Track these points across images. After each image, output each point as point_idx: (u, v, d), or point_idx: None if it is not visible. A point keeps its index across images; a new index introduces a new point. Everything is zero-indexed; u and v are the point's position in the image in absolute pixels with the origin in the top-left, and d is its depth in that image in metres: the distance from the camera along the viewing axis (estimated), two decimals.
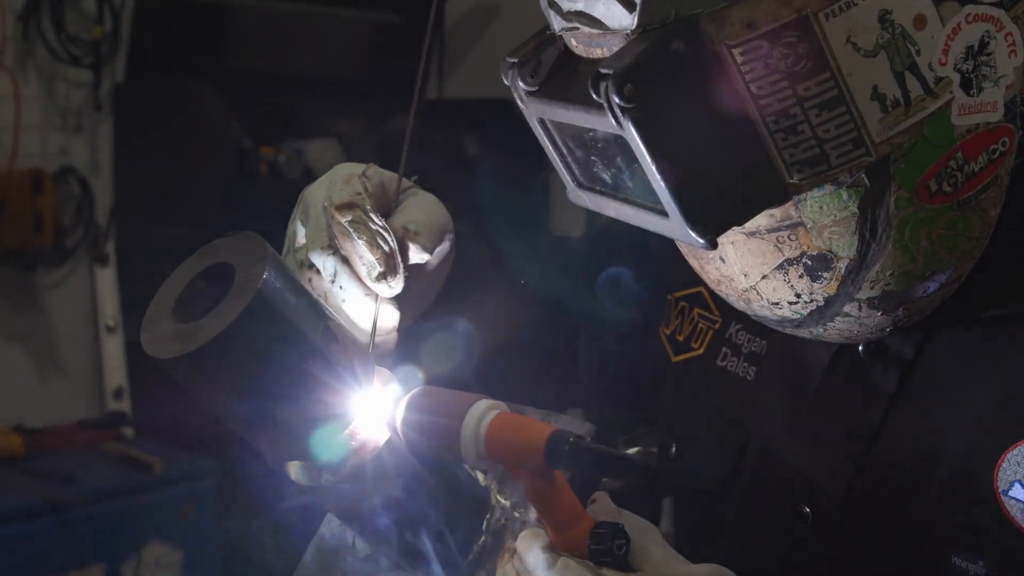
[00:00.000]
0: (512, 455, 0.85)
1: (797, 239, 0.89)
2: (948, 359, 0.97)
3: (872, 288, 0.91)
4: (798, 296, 0.93)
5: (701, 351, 1.18)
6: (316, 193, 0.99)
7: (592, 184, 0.95)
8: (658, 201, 0.84)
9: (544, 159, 0.98)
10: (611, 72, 0.79)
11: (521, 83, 0.92)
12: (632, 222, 0.90)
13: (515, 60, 0.93)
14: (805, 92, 0.82)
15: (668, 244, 1.13)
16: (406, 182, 1.04)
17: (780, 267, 0.92)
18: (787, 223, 0.89)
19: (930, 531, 0.94)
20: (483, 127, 3.92)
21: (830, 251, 0.89)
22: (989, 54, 0.86)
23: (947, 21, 0.85)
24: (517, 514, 0.96)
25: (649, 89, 0.80)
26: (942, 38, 0.84)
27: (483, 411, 0.86)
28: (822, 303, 0.93)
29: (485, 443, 0.86)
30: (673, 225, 0.84)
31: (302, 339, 0.86)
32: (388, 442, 0.92)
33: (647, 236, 0.92)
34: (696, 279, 1.18)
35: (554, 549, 0.87)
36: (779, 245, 0.91)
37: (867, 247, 0.89)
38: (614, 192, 0.92)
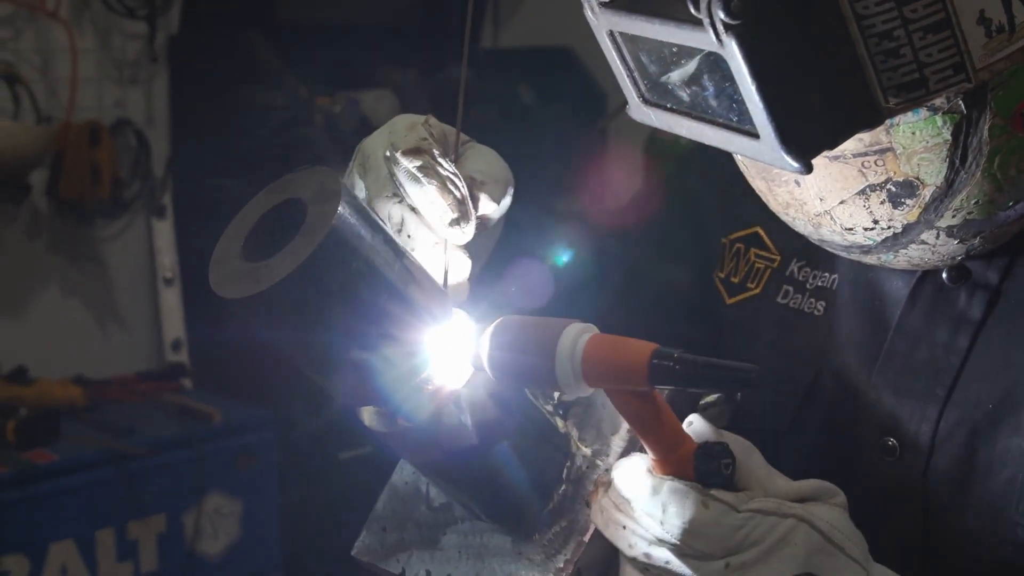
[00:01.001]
0: (613, 375, 0.82)
1: (884, 164, 0.88)
2: None
3: (954, 216, 0.90)
4: (875, 222, 0.92)
5: (758, 290, 1.17)
6: (375, 143, 0.96)
7: (662, 101, 0.92)
8: (747, 122, 0.82)
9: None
10: None
11: None
12: (709, 142, 0.88)
13: None
14: (912, 14, 0.80)
15: (716, 189, 1.11)
16: (464, 136, 1.01)
17: (862, 192, 0.90)
18: (875, 148, 0.88)
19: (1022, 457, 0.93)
20: (539, 77, 3.88)
21: (917, 178, 0.88)
22: None
23: None
24: (600, 462, 0.93)
25: (754, 6, 0.76)
26: None
27: (577, 333, 0.83)
28: (899, 230, 0.92)
29: (583, 365, 0.82)
30: (763, 147, 0.81)
31: (379, 276, 0.82)
32: (467, 385, 0.89)
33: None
34: (752, 219, 1.16)
35: (655, 474, 0.84)
36: (863, 170, 0.89)
37: (955, 174, 0.87)
38: (690, 110, 0.89)
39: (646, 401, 0.83)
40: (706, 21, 0.78)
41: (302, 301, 0.79)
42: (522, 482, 0.94)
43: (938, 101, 0.84)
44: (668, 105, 0.91)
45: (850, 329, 1.08)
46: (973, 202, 0.90)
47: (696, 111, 0.89)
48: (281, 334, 0.84)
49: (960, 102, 0.85)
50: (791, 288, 1.14)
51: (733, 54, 0.78)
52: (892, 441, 1.02)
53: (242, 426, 3.20)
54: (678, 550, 0.82)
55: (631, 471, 0.86)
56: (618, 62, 0.93)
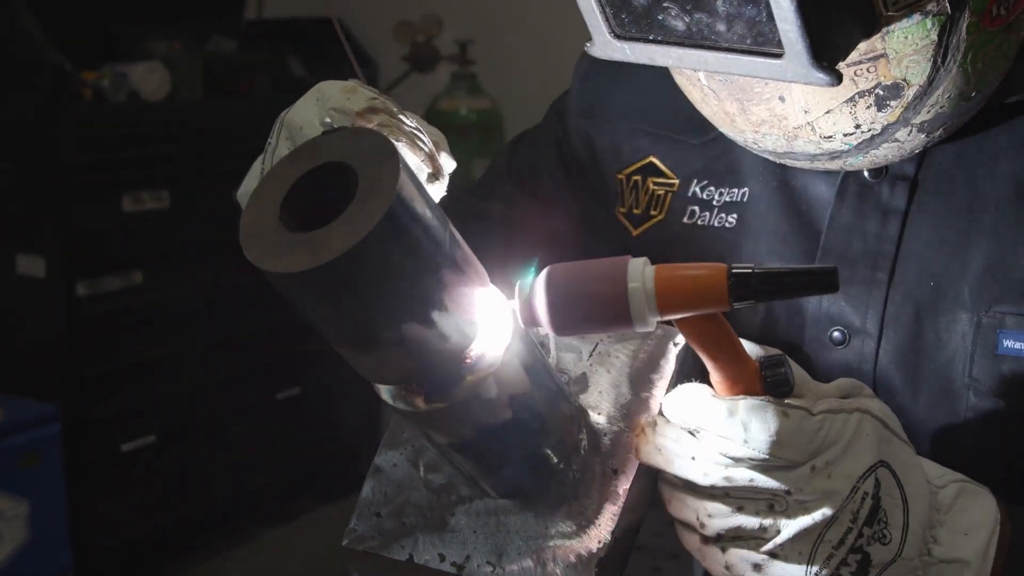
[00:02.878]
0: (691, 300, 0.81)
1: (876, 70, 0.93)
2: (949, 165, 1.05)
3: (928, 112, 0.96)
4: (857, 127, 0.97)
5: (662, 216, 1.20)
6: (305, 113, 0.91)
7: (644, 33, 0.91)
8: (767, 42, 0.84)
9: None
10: None
11: None
12: (708, 69, 0.89)
13: None
14: None
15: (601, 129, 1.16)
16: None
17: (850, 99, 0.95)
18: (870, 55, 0.92)
19: (974, 329, 1.02)
20: (308, 47, 3.80)
21: (904, 79, 0.93)
22: None
23: None
24: (617, 428, 0.93)
25: None
26: None
27: (642, 265, 0.82)
28: (878, 131, 0.97)
29: (656, 293, 0.80)
30: (788, 65, 0.83)
31: (438, 244, 0.78)
32: (505, 355, 0.86)
33: None
34: (644, 151, 1.22)
35: (725, 397, 0.84)
36: (855, 78, 0.93)
37: (936, 72, 0.93)
38: (684, 39, 0.89)
39: (716, 324, 0.83)
40: None
41: (365, 273, 0.74)
42: (548, 455, 0.92)
43: (929, 5, 0.89)
44: (653, 37, 0.91)
45: (779, 233, 1.13)
46: (946, 96, 0.96)
47: (695, 39, 0.89)
48: (327, 309, 0.78)
49: (947, 3, 0.90)
50: (696, 207, 1.18)
51: None
52: (839, 331, 1.08)
53: (25, 423, 3.00)
54: (764, 464, 0.82)
55: (694, 400, 0.85)
56: None
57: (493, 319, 0.84)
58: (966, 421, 1.03)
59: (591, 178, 1.28)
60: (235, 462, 3.73)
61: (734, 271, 0.80)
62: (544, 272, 0.83)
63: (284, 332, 3.60)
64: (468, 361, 0.83)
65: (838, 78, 0.83)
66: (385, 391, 0.86)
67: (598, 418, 0.94)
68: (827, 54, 0.83)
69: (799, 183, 1.12)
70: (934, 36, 0.91)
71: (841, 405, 0.85)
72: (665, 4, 0.89)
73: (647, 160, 1.22)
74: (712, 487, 0.85)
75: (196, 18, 3.73)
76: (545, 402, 0.90)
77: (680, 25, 0.89)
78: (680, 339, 0.95)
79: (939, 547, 0.86)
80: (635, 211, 1.22)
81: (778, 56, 0.84)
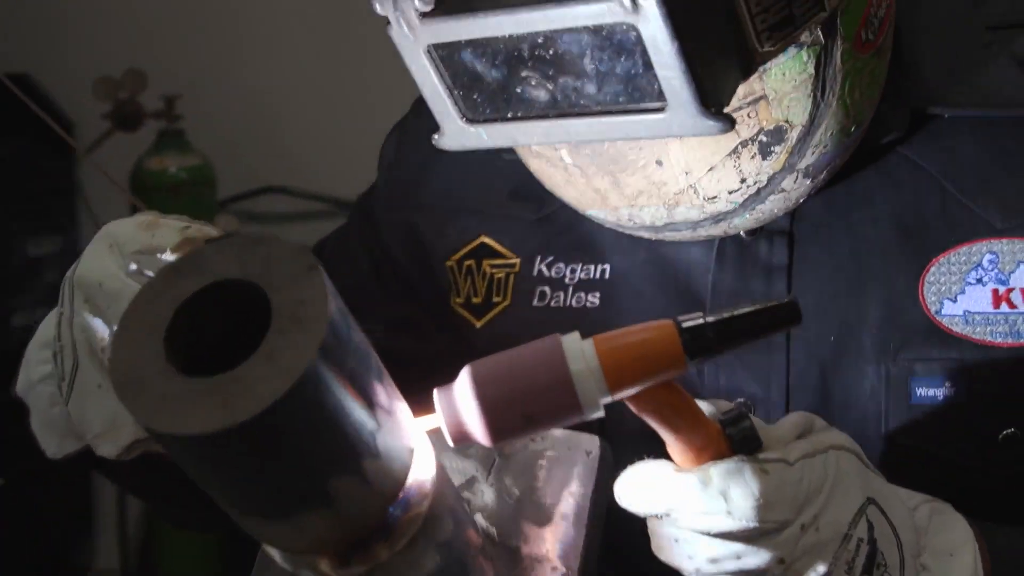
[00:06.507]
0: (645, 370, 0.71)
1: (757, 115, 0.86)
2: (822, 214, 0.98)
3: (812, 154, 0.90)
4: (743, 181, 0.90)
5: (507, 301, 1.09)
6: (101, 267, 0.79)
7: (501, 112, 0.82)
8: (648, 97, 0.76)
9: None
10: None
11: (417, 2, 0.77)
12: (580, 139, 0.81)
13: None
14: None
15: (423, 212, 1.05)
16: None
17: (733, 151, 0.88)
18: (749, 99, 0.86)
19: (884, 382, 0.97)
20: None
21: (786, 121, 0.87)
22: None
23: None
24: (509, 496, 0.83)
25: None
26: None
27: (577, 341, 0.71)
28: (764, 183, 0.90)
29: (605, 374, 0.70)
30: (673, 118, 0.76)
31: (369, 372, 0.65)
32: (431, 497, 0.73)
33: None
34: (473, 231, 1.10)
35: (691, 468, 0.74)
36: (737, 127, 0.86)
37: (817, 108, 0.88)
38: (549, 110, 0.80)
39: (670, 390, 0.74)
40: None
41: (297, 423, 0.59)
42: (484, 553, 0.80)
43: (804, 36, 0.83)
44: (512, 114, 0.81)
45: (657, 307, 1.03)
46: (829, 134, 0.90)
47: (561, 107, 0.80)
48: (251, 473, 0.61)
49: (819, 32, 0.84)
50: (546, 288, 1.07)
51: (652, 16, 0.71)
52: (741, 402, 1.00)
53: None
54: (752, 533, 0.73)
55: (657, 479, 0.75)
56: (437, 82, 0.82)
57: (420, 448, 0.71)
58: (886, 476, 0.98)
59: (416, 275, 1.15)
60: None
61: (685, 325, 0.72)
62: (463, 377, 0.72)
63: None
64: (392, 511, 0.69)
65: (731, 123, 0.76)
66: (283, 556, 0.70)
67: (487, 491, 0.84)
68: (713, 98, 0.75)
69: (670, 252, 1.04)
70: (811, 69, 0.85)
71: (814, 447, 0.78)
72: (524, 74, 0.80)
73: (478, 241, 1.11)
74: (697, 571, 0.75)
75: None
76: (465, 544, 0.77)
77: (543, 95, 0.81)
78: (593, 447, 0.85)
79: (930, 574, 0.80)
80: (474, 300, 1.10)
81: (660, 110, 0.76)
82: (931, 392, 0.94)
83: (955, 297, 0.95)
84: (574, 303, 1.05)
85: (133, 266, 0.77)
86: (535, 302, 1.07)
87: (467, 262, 1.11)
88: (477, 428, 0.71)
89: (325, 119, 3.43)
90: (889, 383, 0.96)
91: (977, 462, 0.96)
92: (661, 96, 0.75)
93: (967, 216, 0.97)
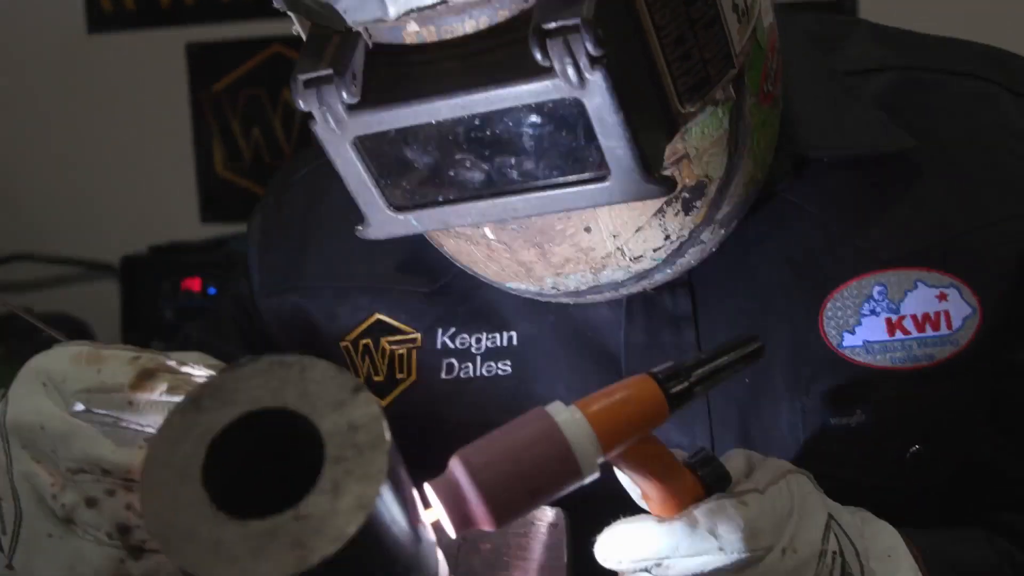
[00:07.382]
0: (632, 428, 0.73)
1: (680, 173, 0.86)
2: (717, 260, 1.00)
3: (728, 204, 0.91)
4: (667, 238, 0.90)
5: (412, 377, 1.06)
6: (38, 409, 0.73)
7: (432, 197, 0.80)
8: (584, 167, 0.76)
9: None
10: (576, 22, 0.68)
11: (345, 95, 0.73)
12: (516, 215, 0.79)
13: (329, 71, 0.73)
14: (696, 14, 0.79)
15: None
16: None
17: (659, 211, 0.88)
18: (673, 159, 0.85)
19: (801, 416, 0.99)
20: None
21: (706, 176, 0.88)
22: None
23: None
24: (485, 543, 0.84)
25: (608, 34, 0.70)
26: None
27: (565, 410, 0.72)
28: (686, 237, 0.91)
29: (599, 437, 0.72)
30: (616, 185, 0.75)
31: (410, 487, 0.65)
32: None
33: None
34: (366, 309, 1.07)
35: (674, 516, 0.76)
36: None
37: (731, 161, 0.88)
38: (483, 190, 0.79)
39: (650, 443, 0.76)
40: (561, 65, 0.69)
41: (369, 553, 0.57)
42: None
43: (718, 93, 0.83)
44: (444, 198, 0.79)
45: (574, 368, 1.03)
46: (742, 184, 0.91)
47: (497, 186, 0.78)
48: None
49: (731, 89, 0.85)
50: (453, 360, 1.05)
51: (598, 90, 0.70)
52: (700, 447, 1.00)
53: None
54: (742, 563, 0.75)
55: (644, 533, 0.76)
56: (362, 173, 0.78)
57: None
58: None
59: None
60: None
61: (661, 376, 0.75)
62: (456, 466, 0.70)
63: None
64: None
65: (672, 184, 0.76)
66: None
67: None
68: (654, 162, 0.75)
69: (578, 313, 1.03)
70: (726, 125, 0.86)
71: (774, 474, 0.80)
72: (458, 156, 0.77)
73: (373, 319, 1.07)
74: None
75: None
76: None
77: (477, 175, 0.78)
78: (558, 519, 0.84)
79: None
80: (375, 379, 1.06)
81: (602, 179, 0.75)
82: (844, 421, 0.98)
83: (853, 329, 0.98)
84: (485, 372, 1.04)
85: (79, 406, 0.72)
86: (443, 375, 1.05)
87: (363, 341, 1.08)
88: (481, 513, 0.70)
89: (63, 181, 3.16)
90: (804, 416, 0.99)
91: (888, 481, 1.00)
92: (603, 165, 0.75)
93: (852, 252, 1.00)
